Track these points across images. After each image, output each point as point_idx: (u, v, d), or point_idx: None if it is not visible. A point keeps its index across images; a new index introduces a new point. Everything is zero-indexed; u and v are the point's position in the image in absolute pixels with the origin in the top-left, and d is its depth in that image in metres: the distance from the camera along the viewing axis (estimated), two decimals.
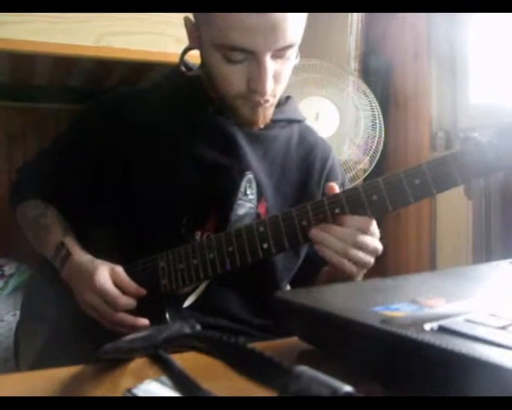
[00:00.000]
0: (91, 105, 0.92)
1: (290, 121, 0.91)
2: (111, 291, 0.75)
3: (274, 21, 0.69)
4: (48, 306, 0.90)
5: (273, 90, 0.77)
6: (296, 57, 0.80)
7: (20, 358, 0.96)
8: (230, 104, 0.79)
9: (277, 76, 0.76)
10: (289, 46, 0.73)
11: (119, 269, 0.78)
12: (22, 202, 0.94)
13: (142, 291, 0.77)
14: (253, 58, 0.72)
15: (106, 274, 0.76)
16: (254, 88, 0.75)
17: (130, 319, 0.75)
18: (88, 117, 0.92)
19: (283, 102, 0.91)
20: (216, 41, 0.73)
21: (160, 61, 1.38)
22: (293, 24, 0.71)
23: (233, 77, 0.75)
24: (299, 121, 0.93)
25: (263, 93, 0.75)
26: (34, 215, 0.90)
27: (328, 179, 0.90)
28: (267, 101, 0.78)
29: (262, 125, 0.82)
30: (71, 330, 0.83)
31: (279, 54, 0.73)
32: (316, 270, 0.87)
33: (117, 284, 0.76)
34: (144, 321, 0.76)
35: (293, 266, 0.88)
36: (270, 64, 0.73)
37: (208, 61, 0.77)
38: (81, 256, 0.80)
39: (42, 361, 0.85)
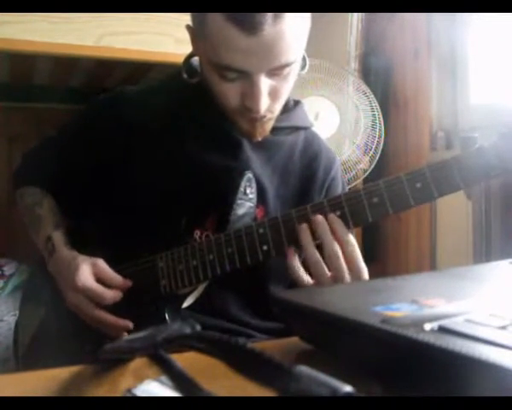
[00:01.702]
0: (94, 103, 0.92)
1: (296, 128, 0.90)
2: (94, 287, 0.75)
3: (267, 43, 0.67)
4: (46, 303, 0.90)
5: (270, 106, 0.75)
6: (304, 68, 0.79)
7: (18, 357, 0.96)
8: (229, 116, 0.79)
9: (275, 93, 0.75)
10: (286, 65, 0.72)
11: (101, 262, 0.77)
12: (22, 186, 0.96)
13: (128, 283, 0.77)
14: (246, 77, 0.71)
15: (87, 271, 0.75)
16: (248, 106, 0.74)
17: (110, 318, 0.75)
18: (90, 116, 0.92)
19: (291, 107, 0.90)
20: (210, 58, 0.72)
21: (160, 61, 1.38)
22: (290, 43, 0.69)
23: (228, 93, 0.75)
24: (305, 128, 0.92)
25: (257, 111, 0.74)
26: (30, 202, 0.91)
27: (329, 190, 0.90)
28: (264, 116, 0.77)
29: (260, 138, 0.82)
30: (69, 327, 0.83)
31: (276, 72, 0.72)
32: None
33: (100, 279, 0.76)
34: (126, 322, 0.76)
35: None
36: (265, 83, 0.72)
37: (205, 74, 0.77)
38: (64, 253, 0.80)
39: (40, 356, 0.85)
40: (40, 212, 0.88)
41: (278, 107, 0.79)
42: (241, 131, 0.80)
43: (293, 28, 0.69)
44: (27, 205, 0.91)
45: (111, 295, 0.75)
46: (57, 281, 0.80)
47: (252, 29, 0.66)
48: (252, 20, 0.66)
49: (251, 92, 0.72)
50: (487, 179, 0.63)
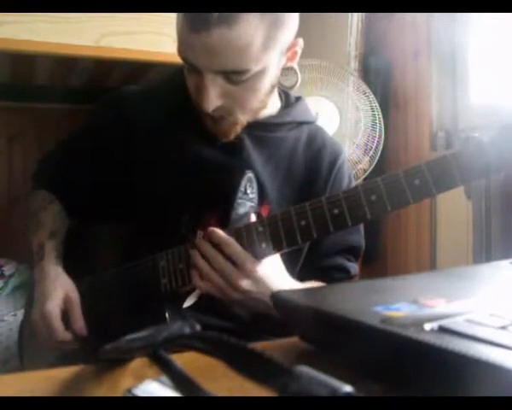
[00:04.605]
0: (98, 104, 0.93)
1: (299, 123, 0.90)
2: (52, 324, 0.76)
3: (212, 43, 0.68)
4: None
5: (228, 109, 0.76)
6: (296, 84, 0.79)
7: (24, 358, 0.96)
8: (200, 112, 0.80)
9: (231, 97, 0.75)
10: (236, 71, 0.72)
11: (75, 298, 0.79)
12: (35, 190, 0.97)
13: (84, 333, 0.78)
14: (198, 73, 0.73)
15: (57, 302, 0.77)
16: (196, 100, 0.76)
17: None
18: (94, 117, 0.93)
19: (292, 103, 0.90)
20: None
21: (160, 61, 1.38)
22: (240, 50, 0.70)
23: (189, 86, 0.77)
24: (308, 123, 0.92)
25: (203, 109, 0.75)
26: (36, 207, 0.92)
27: (334, 184, 0.89)
28: (222, 116, 0.77)
29: (225, 140, 0.82)
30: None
31: (231, 77, 0.73)
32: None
33: (66, 313, 0.78)
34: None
35: (295, 266, 0.88)
36: (215, 82, 0.73)
37: None
38: (49, 266, 0.81)
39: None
40: (43, 217, 0.89)
41: (239, 111, 0.79)
42: (208, 127, 0.81)
43: (247, 37, 0.69)
44: (32, 209, 0.93)
45: (62, 337, 0.77)
46: (35, 288, 0.82)
47: (197, 27, 0.68)
48: (198, 19, 0.68)
49: (199, 87, 0.74)
50: (486, 176, 0.62)
